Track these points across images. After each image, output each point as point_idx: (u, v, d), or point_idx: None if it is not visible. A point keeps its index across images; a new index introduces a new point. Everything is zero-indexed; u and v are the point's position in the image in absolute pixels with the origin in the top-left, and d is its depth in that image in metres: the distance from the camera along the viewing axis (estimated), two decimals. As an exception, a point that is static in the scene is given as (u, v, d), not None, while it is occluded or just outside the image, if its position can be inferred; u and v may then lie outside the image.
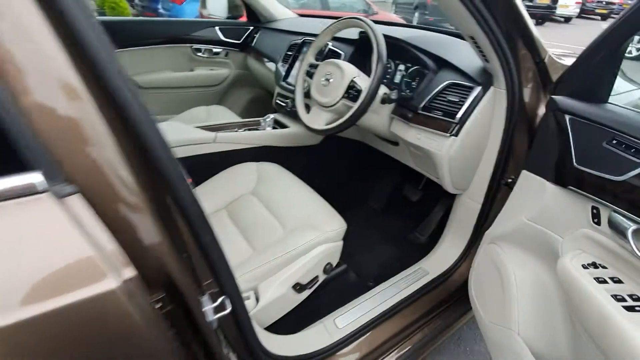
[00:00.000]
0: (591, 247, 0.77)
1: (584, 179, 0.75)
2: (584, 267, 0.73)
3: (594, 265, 0.74)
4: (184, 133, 1.30)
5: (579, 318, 0.72)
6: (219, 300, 0.60)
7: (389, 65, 1.36)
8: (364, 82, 1.09)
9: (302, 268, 0.99)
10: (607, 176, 0.71)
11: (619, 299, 0.65)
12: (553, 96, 0.84)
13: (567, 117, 0.79)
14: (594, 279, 0.69)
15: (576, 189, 0.77)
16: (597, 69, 0.80)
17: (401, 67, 1.33)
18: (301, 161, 1.64)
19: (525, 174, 0.92)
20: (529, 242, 0.91)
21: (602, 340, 0.64)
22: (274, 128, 1.55)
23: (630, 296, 0.66)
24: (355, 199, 1.89)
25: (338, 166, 1.89)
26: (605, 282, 0.69)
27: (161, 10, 6.59)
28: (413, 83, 1.27)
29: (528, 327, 0.87)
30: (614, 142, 0.72)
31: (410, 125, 1.17)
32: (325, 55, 1.54)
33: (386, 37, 1.26)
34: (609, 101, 0.81)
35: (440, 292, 1.26)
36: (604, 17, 13.19)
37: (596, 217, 0.75)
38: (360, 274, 1.43)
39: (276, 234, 1.08)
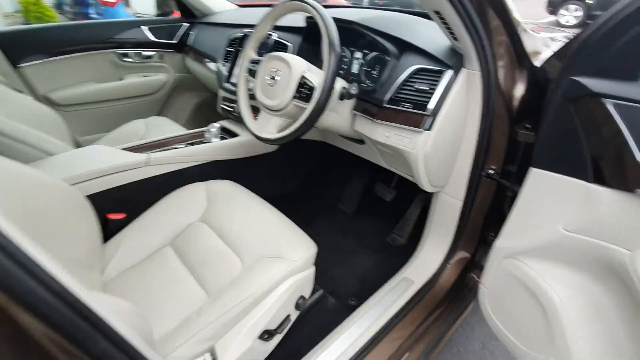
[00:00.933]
0: None
1: None
2: None
3: None
4: (106, 159, 1.05)
5: None
6: None
7: (344, 54, 1.19)
8: (316, 78, 0.91)
9: (269, 311, 0.81)
10: None
11: None
12: (576, 78, 0.69)
13: (610, 103, 0.64)
14: None
15: None
16: (634, 41, 0.65)
17: (358, 54, 1.16)
18: (258, 173, 1.44)
19: (539, 174, 0.77)
20: (571, 257, 0.77)
21: None
22: (222, 138, 1.33)
23: None
24: (324, 206, 1.73)
25: (301, 172, 1.71)
26: None
27: (93, 15, 6.07)
28: (373, 72, 1.11)
29: (592, 357, 0.75)
30: None
31: (376, 122, 1.01)
32: (270, 48, 1.34)
33: (337, 20, 1.09)
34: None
35: (428, 301, 1.14)
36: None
37: None
38: (339, 294, 1.28)
39: (233, 271, 0.88)
